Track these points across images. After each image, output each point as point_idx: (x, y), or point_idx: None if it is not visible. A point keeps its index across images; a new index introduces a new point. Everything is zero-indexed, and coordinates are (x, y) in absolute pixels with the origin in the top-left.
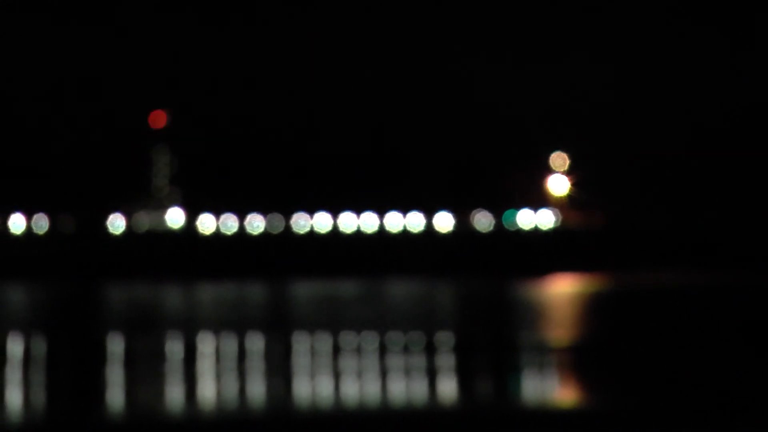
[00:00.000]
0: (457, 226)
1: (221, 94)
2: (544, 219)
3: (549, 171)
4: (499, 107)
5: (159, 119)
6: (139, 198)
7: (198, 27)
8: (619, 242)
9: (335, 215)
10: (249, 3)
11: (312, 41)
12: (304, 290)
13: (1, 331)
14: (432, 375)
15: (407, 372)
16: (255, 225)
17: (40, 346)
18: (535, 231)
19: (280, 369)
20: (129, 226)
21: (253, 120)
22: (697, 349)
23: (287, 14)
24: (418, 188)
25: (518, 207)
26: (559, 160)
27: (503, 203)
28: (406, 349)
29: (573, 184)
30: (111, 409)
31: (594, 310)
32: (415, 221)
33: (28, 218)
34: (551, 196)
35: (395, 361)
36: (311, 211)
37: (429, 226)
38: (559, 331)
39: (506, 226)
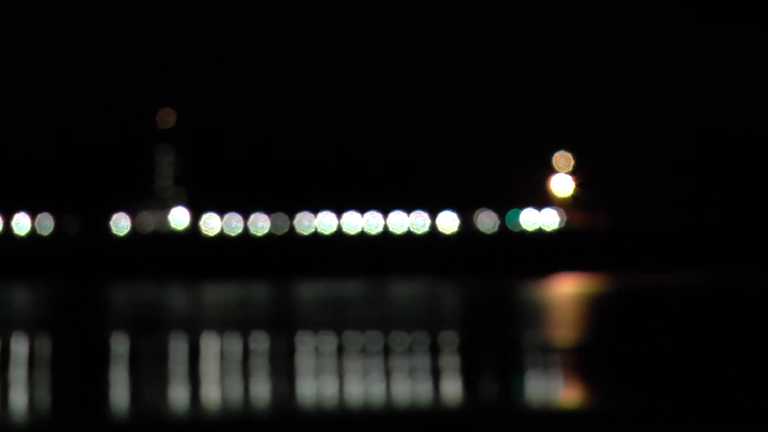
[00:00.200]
0: (461, 226)
1: (225, 94)
2: (548, 219)
3: (553, 171)
4: (503, 107)
5: (168, 118)
6: (144, 198)
7: (204, 26)
8: (624, 242)
9: (339, 215)
10: (255, 3)
11: (317, 41)
12: (309, 290)
13: (6, 332)
14: (436, 375)
15: (411, 372)
16: (259, 225)
17: (45, 347)
18: (539, 231)
19: (284, 369)
20: (133, 227)
21: (256, 120)
22: (700, 349)
23: (293, 14)
24: (422, 188)
25: (522, 207)
26: (563, 160)
27: (507, 203)
28: (410, 350)
29: (577, 184)
30: (115, 410)
31: (598, 311)
32: (419, 221)
33: (33, 218)
34: (555, 196)
35: (399, 361)
36: (315, 211)
37: (433, 226)
38: (563, 331)
39: (510, 227)
